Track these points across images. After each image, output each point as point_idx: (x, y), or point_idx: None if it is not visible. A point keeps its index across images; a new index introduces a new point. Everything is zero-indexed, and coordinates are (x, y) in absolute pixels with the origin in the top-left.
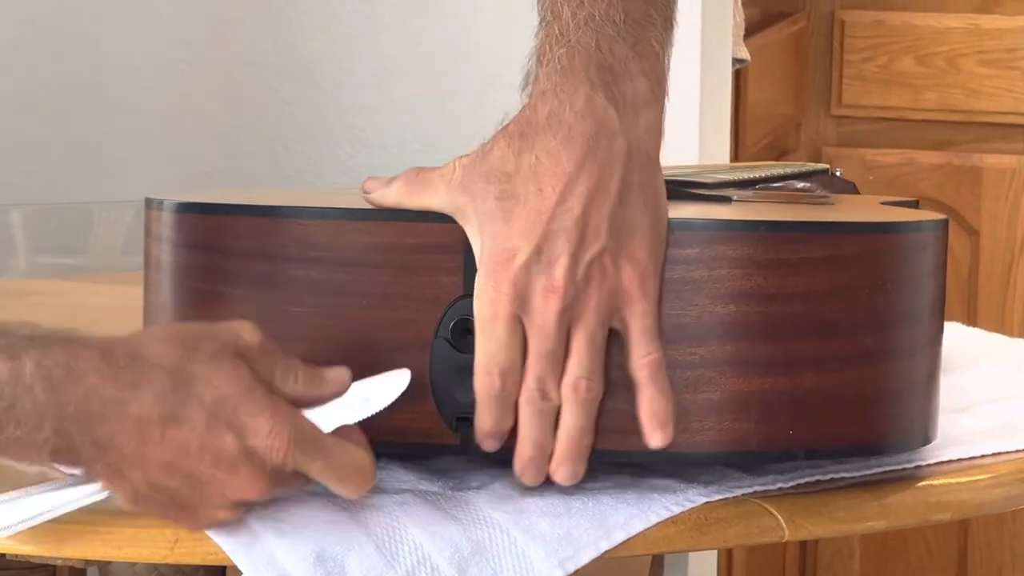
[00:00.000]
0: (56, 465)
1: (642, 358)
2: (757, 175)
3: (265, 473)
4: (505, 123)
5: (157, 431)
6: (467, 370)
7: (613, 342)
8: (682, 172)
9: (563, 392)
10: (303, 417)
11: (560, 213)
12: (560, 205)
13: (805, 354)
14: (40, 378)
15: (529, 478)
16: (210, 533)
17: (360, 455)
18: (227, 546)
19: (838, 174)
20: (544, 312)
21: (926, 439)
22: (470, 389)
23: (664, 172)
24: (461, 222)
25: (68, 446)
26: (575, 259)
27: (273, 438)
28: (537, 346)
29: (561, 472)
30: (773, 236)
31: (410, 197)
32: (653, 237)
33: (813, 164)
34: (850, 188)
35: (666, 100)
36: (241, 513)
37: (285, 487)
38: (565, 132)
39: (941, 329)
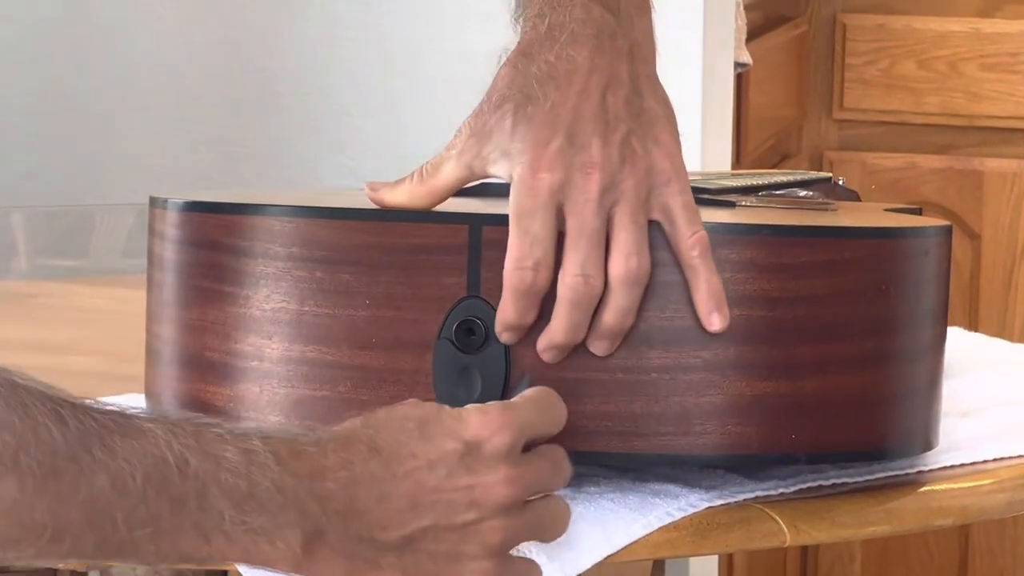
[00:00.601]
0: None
1: (691, 236)
2: (759, 182)
3: (502, 459)
4: (505, 55)
5: (384, 472)
6: (470, 371)
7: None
8: None
9: (612, 271)
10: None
11: (582, 102)
12: (580, 95)
13: (807, 358)
14: (272, 457)
15: (550, 357)
16: None
17: (550, 394)
18: None
19: (840, 183)
20: (586, 190)
21: (928, 445)
22: (473, 390)
23: None
24: (486, 170)
25: (315, 527)
26: (606, 141)
27: (487, 423)
28: (580, 227)
29: (600, 345)
30: (776, 240)
31: (424, 184)
32: (671, 125)
33: (815, 172)
34: (852, 197)
35: (654, 14)
36: (515, 529)
37: (530, 470)
38: (568, 35)
39: (944, 335)
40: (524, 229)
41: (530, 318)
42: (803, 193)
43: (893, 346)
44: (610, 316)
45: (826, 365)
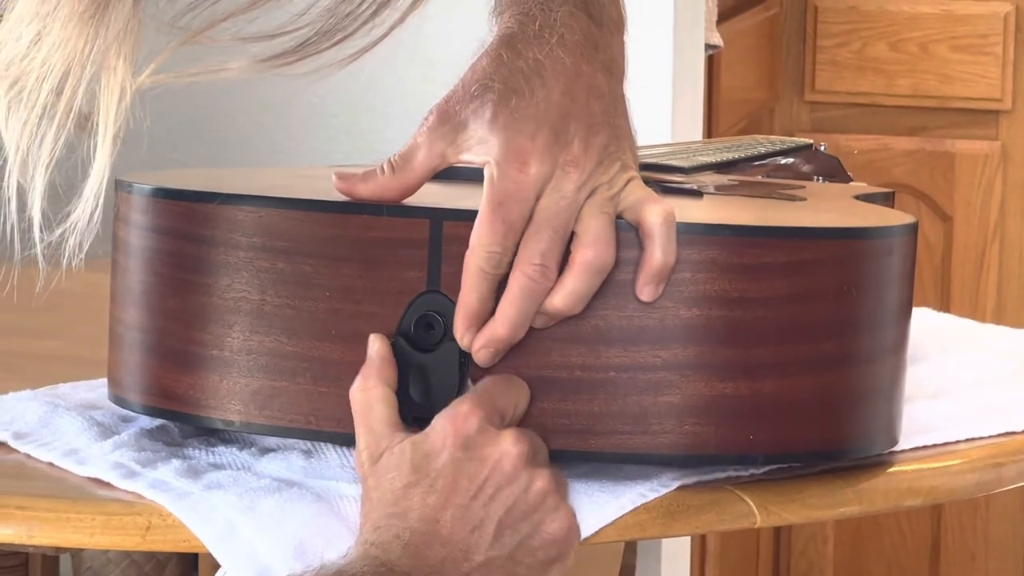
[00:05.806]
0: None
1: (655, 204)
2: (738, 155)
3: (494, 432)
4: (483, 48)
5: (427, 526)
6: (425, 369)
7: (580, 340)
8: (661, 152)
9: (576, 256)
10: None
11: (566, 103)
12: (565, 96)
13: (766, 359)
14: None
15: (485, 356)
16: (190, 525)
17: (502, 376)
18: (206, 538)
19: (822, 149)
20: (563, 187)
21: (890, 443)
22: (427, 389)
23: (643, 151)
24: (460, 157)
25: None
26: (587, 143)
27: (458, 416)
28: (548, 220)
29: (542, 320)
30: (737, 240)
31: (396, 176)
32: (633, 145)
33: (796, 139)
34: (833, 163)
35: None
36: (548, 474)
37: (515, 428)
38: (558, 38)
39: (906, 334)
40: (501, 217)
41: (490, 305)
42: (784, 161)
43: (855, 347)
44: (560, 299)
45: (786, 366)
